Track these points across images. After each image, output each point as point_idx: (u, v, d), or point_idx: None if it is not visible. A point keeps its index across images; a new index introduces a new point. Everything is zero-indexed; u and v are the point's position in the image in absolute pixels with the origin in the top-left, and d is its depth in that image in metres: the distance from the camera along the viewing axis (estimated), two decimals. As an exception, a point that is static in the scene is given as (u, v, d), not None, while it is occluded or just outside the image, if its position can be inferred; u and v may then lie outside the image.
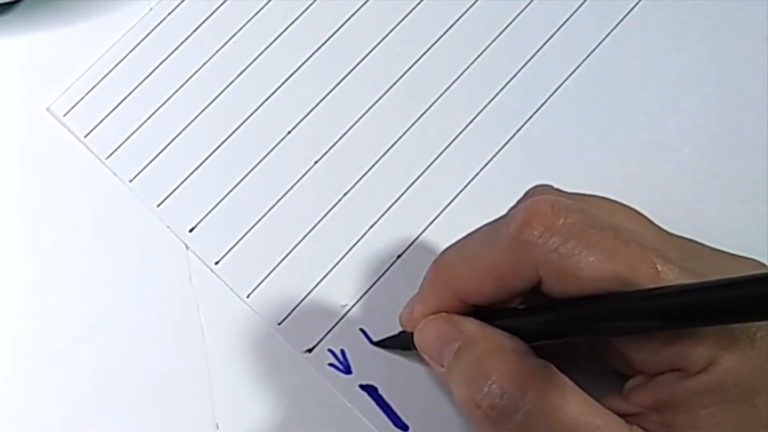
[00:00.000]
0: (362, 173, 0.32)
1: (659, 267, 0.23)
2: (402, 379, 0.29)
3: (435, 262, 0.27)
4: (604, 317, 0.23)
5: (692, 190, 0.32)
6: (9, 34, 0.35)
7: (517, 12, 0.35)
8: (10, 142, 0.33)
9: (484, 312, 0.26)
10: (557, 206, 0.24)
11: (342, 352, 0.30)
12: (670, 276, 0.22)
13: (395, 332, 0.29)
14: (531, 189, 0.27)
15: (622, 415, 0.24)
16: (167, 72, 0.34)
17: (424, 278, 0.27)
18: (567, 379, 0.24)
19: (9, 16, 0.35)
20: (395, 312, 0.30)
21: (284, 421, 0.29)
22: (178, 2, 0.35)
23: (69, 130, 0.33)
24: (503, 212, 0.31)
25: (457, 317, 0.26)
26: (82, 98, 0.34)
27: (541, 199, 0.24)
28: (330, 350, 0.30)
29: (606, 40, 0.34)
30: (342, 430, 0.29)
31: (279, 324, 0.31)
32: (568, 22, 0.34)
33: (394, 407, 0.29)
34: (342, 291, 0.31)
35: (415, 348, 0.28)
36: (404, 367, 0.30)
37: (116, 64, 0.34)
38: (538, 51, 0.34)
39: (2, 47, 0.35)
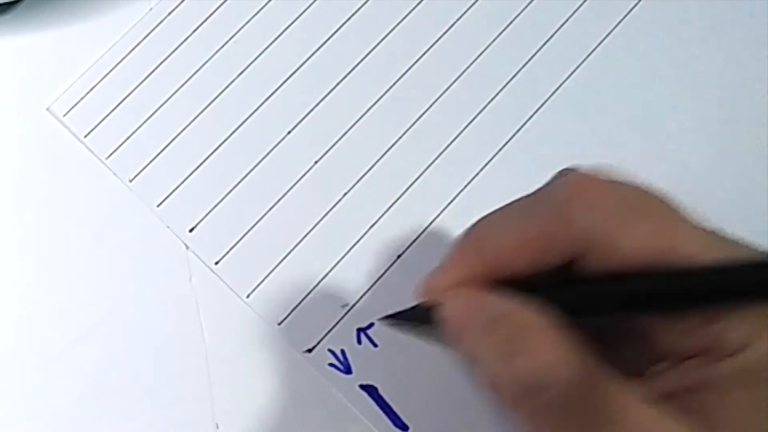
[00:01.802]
0: (362, 173, 0.32)
1: (704, 246, 0.22)
2: (402, 379, 0.29)
3: (466, 231, 0.26)
4: (646, 293, 0.23)
5: (692, 189, 0.32)
6: (9, 34, 0.35)
7: (517, 12, 0.35)
8: (10, 142, 0.33)
9: (515, 284, 0.25)
10: (604, 180, 0.24)
11: (342, 352, 0.30)
12: (717, 254, 0.22)
13: (407, 306, 0.28)
14: (562, 170, 0.26)
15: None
16: (167, 72, 0.34)
17: (452, 247, 0.26)
18: (598, 358, 0.23)
19: (9, 16, 0.35)
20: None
21: (284, 421, 0.29)
22: (178, 2, 0.35)
23: (69, 130, 0.33)
24: (503, 212, 0.31)
25: (487, 290, 0.25)
26: (82, 98, 0.34)
27: (585, 173, 0.24)
28: (330, 350, 0.30)
29: (606, 40, 0.34)
30: (342, 430, 0.29)
31: (279, 324, 0.31)
32: (568, 22, 0.34)
33: (394, 407, 0.29)
34: (342, 291, 0.31)
35: (431, 323, 0.26)
36: (404, 367, 0.30)
37: (116, 64, 0.34)
38: (538, 51, 0.34)
39: (2, 47, 0.35)
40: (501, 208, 0.26)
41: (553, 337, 0.23)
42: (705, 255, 0.22)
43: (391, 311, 0.29)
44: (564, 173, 0.26)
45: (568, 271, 0.25)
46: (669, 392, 0.23)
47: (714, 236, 0.23)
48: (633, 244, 0.23)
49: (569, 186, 0.24)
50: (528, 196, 0.25)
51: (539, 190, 0.25)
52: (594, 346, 0.24)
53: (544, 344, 0.23)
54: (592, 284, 0.24)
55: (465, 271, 0.26)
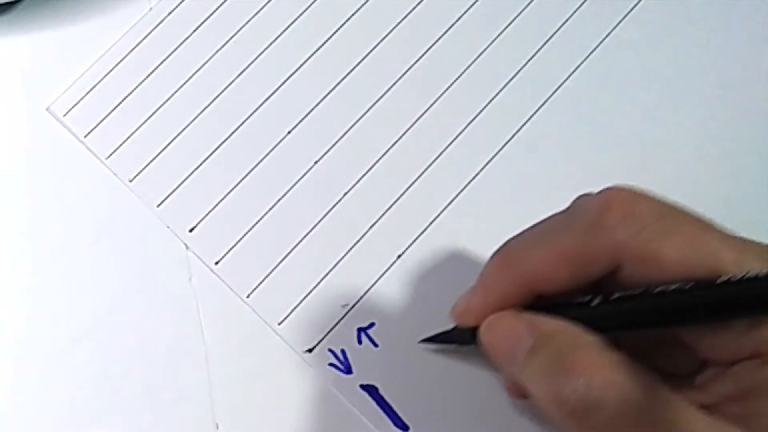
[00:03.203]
0: (362, 173, 0.32)
1: (742, 255, 0.22)
2: (402, 379, 0.29)
3: (500, 250, 0.26)
4: (691, 306, 0.23)
5: (692, 190, 0.32)
6: (9, 34, 0.35)
7: (517, 12, 0.35)
8: (10, 142, 0.33)
9: (552, 306, 0.25)
10: (636, 193, 0.24)
11: (342, 352, 0.30)
12: (754, 264, 0.22)
13: (447, 328, 0.28)
14: (581, 195, 0.26)
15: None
16: (167, 72, 0.34)
17: (486, 268, 0.26)
18: (651, 372, 0.23)
19: (9, 16, 0.35)
20: (395, 312, 0.30)
21: (284, 422, 0.29)
22: (178, 2, 0.35)
23: (69, 130, 0.33)
24: (504, 212, 0.32)
25: (527, 313, 0.25)
26: (82, 98, 0.34)
27: (618, 187, 0.24)
28: (330, 350, 0.30)
29: (606, 40, 0.34)
30: (342, 430, 0.29)
31: (279, 324, 0.30)
32: (568, 22, 0.34)
33: (394, 407, 0.29)
34: (342, 291, 0.31)
35: (473, 343, 0.26)
36: (405, 367, 0.30)
37: (116, 64, 0.34)
38: (538, 51, 0.34)
39: (2, 47, 0.35)
40: (531, 227, 0.26)
41: (601, 353, 0.23)
42: (742, 262, 0.22)
43: (389, 315, 0.30)
44: (584, 196, 0.26)
45: (604, 286, 0.24)
46: (724, 395, 0.23)
47: (749, 243, 0.23)
48: (671, 254, 0.23)
49: (602, 199, 0.24)
50: (557, 213, 0.25)
51: (567, 209, 0.25)
52: (638, 359, 0.24)
53: (594, 362, 0.23)
54: (634, 299, 0.24)
55: (501, 289, 0.25)
